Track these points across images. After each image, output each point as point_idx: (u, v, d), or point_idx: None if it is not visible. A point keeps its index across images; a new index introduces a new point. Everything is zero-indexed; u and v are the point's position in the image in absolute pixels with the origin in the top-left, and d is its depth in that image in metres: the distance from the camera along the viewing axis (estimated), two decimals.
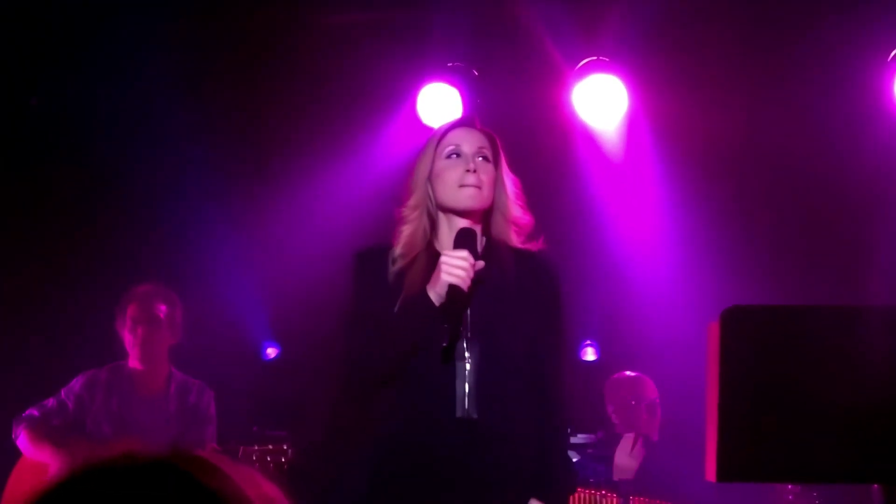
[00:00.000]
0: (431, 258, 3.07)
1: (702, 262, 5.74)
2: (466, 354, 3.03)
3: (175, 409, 4.83)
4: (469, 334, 3.04)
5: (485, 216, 3.19)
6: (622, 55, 5.38)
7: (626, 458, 5.05)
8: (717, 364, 2.27)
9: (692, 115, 5.52)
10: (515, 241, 3.16)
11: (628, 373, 5.41)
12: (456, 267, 2.95)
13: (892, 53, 5.16)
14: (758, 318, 2.36)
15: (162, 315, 4.80)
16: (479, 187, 3.11)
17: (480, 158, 3.16)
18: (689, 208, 5.72)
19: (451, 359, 3.00)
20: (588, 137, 5.72)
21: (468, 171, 3.11)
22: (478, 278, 3.04)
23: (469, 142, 3.17)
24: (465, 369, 3.02)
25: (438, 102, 5.57)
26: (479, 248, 3.14)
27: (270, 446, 4.64)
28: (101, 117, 5.54)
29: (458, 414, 3.00)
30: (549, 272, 3.20)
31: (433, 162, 3.17)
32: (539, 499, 3.02)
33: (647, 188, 5.81)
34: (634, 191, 5.83)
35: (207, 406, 4.90)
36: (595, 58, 5.42)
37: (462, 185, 3.10)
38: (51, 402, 4.79)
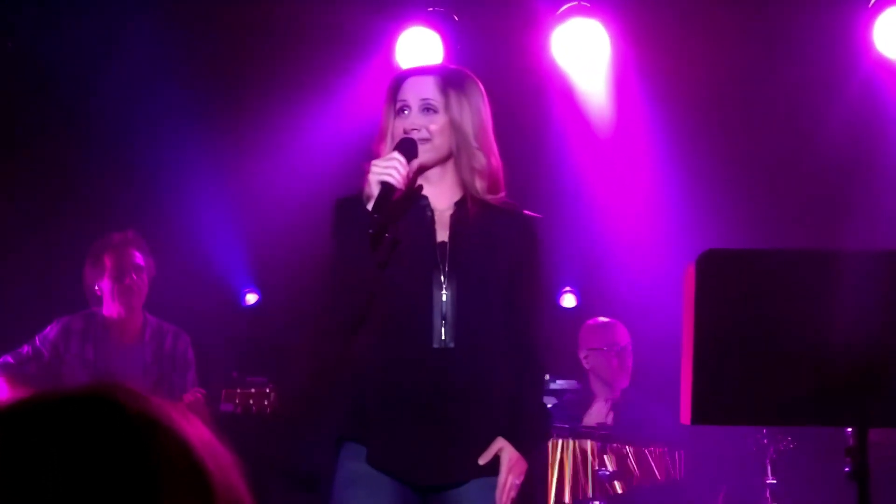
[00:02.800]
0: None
1: (682, 207, 5.75)
2: (444, 285, 3.06)
3: (151, 356, 4.82)
4: (447, 267, 3.07)
5: (453, 168, 3.17)
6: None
7: (595, 420, 5.10)
8: (692, 307, 2.29)
9: (672, 60, 5.51)
10: (480, 185, 3.14)
11: (601, 319, 5.43)
12: (386, 167, 2.97)
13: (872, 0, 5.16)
14: (733, 261, 2.37)
15: (142, 263, 4.79)
16: (426, 140, 3.09)
17: (425, 111, 3.12)
18: (669, 153, 5.72)
19: (378, 245, 3.00)
20: (567, 83, 5.70)
21: (405, 130, 3.11)
22: (455, 220, 3.10)
23: (415, 93, 3.15)
24: (441, 300, 3.05)
25: (418, 47, 5.55)
26: (459, 196, 3.15)
27: (253, 390, 4.65)
28: (74, 57, 5.47)
29: (435, 344, 3.03)
30: (530, 229, 3.19)
31: (392, 117, 3.17)
32: (511, 443, 3.06)
33: (627, 134, 5.80)
34: (614, 136, 5.82)
35: (185, 351, 4.89)
36: (576, 2, 5.40)
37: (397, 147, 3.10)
38: (25, 349, 4.76)
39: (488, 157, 3.16)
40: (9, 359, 4.73)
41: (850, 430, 2.41)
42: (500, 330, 3.10)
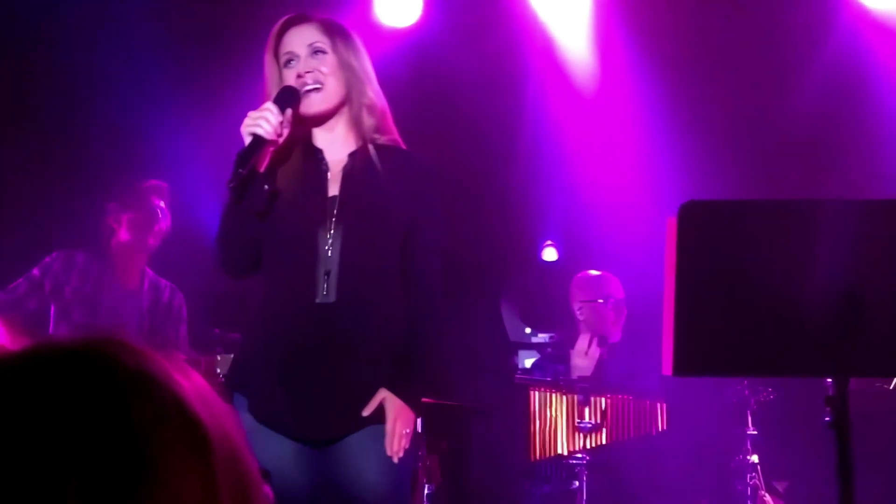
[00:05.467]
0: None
1: (663, 159, 5.75)
2: (329, 240, 3.03)
3: (148, 305, 4.81)
4: (334, 222, 3.03)
5: (345, 113, 3.13)
6: None
7: (581, 357, 5.08)
8: (674, 259, 2.28)
9: (654, 11, 5.48)
10: (370, 124, 3.11)
11: (594, 272, 5.42)
12: (257, 118, 2.93)
13: None
14: (714, 212, 2.37)
15: (165, 210, 4.81)
16: (319, 87, 3.06)
17: (314, 54, 3.09)
18: (649, 106, 5.70)
19: (240, 200, 2.98)
20: (548, 36, 5.68)
21: (299, 76, 3.06)
22: (347, 171, 3.07)
23: (300, 41, 3.11)
24: (326, 255, 3.01)
25: (397, 1, 5.51)
26: (349, 151, 3.12)
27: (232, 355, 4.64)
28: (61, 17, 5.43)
29: (318, 299, 2.99)
30: (423, 169, 3.14)
31: (277, 73, 3.12)
32: (394, 393, 3.03)
33: (608, 87, 5.78)
34: (595, 90, 5.80)
35: (180, 307, 4.89)
36: None
37: (306, 91, 3.05)
38: (21, 283, 4.67)
39: (377, 95, 3.13)
40: (2, 295, 4.63)
41: (829, 380, 2.42)
42: (389, 284, 3.06)
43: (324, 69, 3.07)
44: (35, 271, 4.70)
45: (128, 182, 4.84)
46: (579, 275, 5.41)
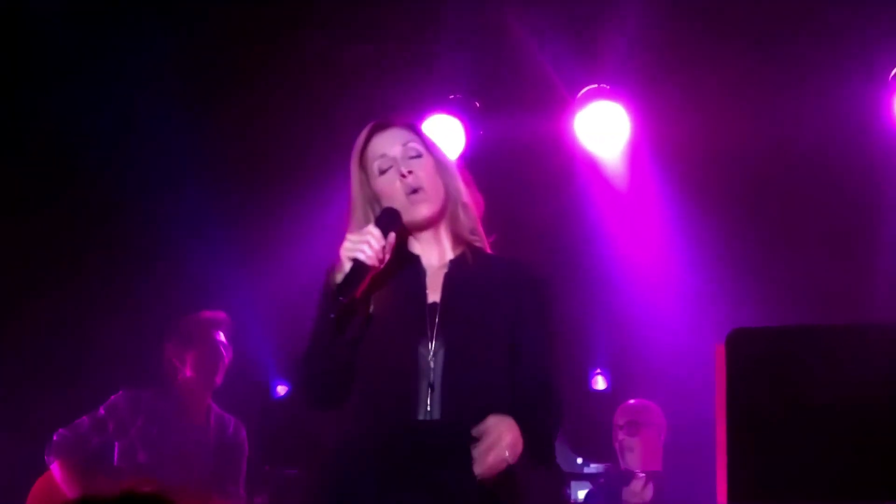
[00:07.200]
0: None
1: (709, 285, 5.74)
2: (432, 351, 2.78)
3: (214, 442, 4.75)
4: (436, 331, 2.80)
5: (446, 216, 2.94)
6: (622, 81, 5.40)
7: (635, 497, 5.03)
8: (723, 386, 2.28)
9: (693, 137, 5.53)
10: (470, 227, 2.92)
11: (634, 400, 5.41)
12: (358, 241, 2.73)
13: (893, 72, 5.17)
14: (762, 339, 2.36)
15: (228, 344, 4.79)
16: (421, 189, 2.87)
17: (410, 157, 2.92)
18: (693, 231, 5.72)
19: (343, 332, 2.76)
20: (591, 165, 5.73)
21: (403, 176, 2.87)
22: (449, 278, 2.86)
23: (391, 144, 2.93)
24: (429, 367, 2.76)
25: (441, 134, 5.59)
26: (453, 255, 2.92)
27: (283, 483, 4.61)
28: (104, 146, 5.56)
29: (420, 416, 2.74)
30: (533, 274, 2.93)
31: (367, 183, 2.94)
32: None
33: (651, 213, 5.81)
34: (638, 216, 5.83)
35: (243, 442, 4.84)
36: (596, 85, 5.44)
37: (409, 195, 2.86)
38: (85, 421, 4.65)
39: (473, 195, 2.97)
40: (67, 433, 4.62)
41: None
42: (497, 400, 2.77)
43: (422, 173, 2.90)
44: (101, 410, 4.68)
45: (188, 317, 4.82)
46: (622, 404, 5.40)
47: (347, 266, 2.74)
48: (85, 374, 5.49)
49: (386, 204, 2.90)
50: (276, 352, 6.17)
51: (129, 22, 5.07)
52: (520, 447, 2.69)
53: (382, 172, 2.91)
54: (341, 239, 2.83)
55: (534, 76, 5.38)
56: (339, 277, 2.74)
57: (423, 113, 5.56)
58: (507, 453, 2.66)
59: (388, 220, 2.82)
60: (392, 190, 2.89)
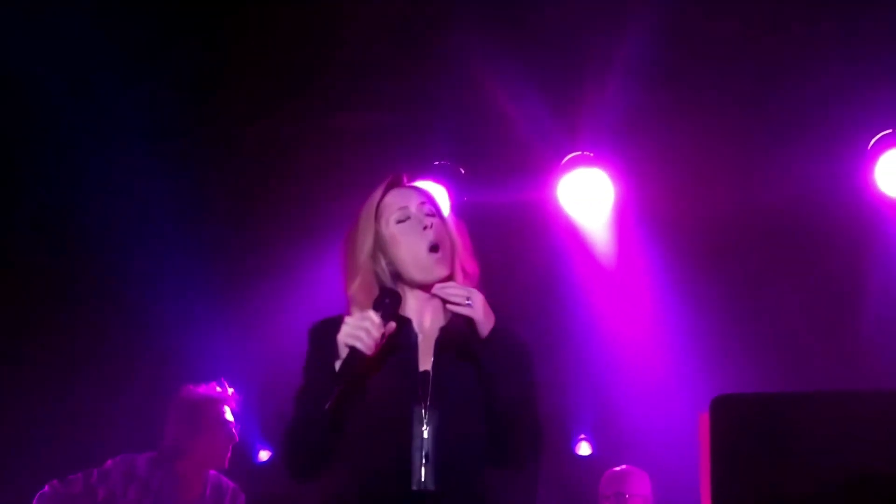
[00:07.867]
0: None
1: (693, 351, 5.76)
2: (425, 420, 2.76)
3: None
4: (430, 400, 2.78)
5: (452, 279, 2.90)
6: (605, 147, 5.44)
7: None
8: (708, 453, 2.28)
9: (677, 204, 5.58)
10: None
11: (622, 467, 5.39)
12: (357, 328, 2.71)
13: (871, 141, 5.23)
14: (747, 406, 2.37)
15: (235, 429, 4.63)
16: (440, 247, 2.87)
17: (427, 214, 2.93)
18: (678, 297, 5.75)
19: (337, 421, 2.74)
20: (575, 232, 5.76)
21: (425, 228, 2.88)
22: (440, 346, 2.85)
23: (410, 199, 2.96)
24: (422, 438, 2.74)
25: None
26: (444, 318, 2.90)
27: None
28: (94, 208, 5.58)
29: (414, 487, 2.73)
30: (519, 347, 2.90)
31: (380, 232, 2.93)
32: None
33: (635, 280, 5.84)
34: (623, 283, 5.85)
35: None
36: (579, 152, 5.47)
37: (430, 252, 2.86)
38: (79, 480, 4.48)
39: (474, 264, 2.97)
40: (57, 487, 4.44)
41: None
42: (488, 467, 2.81)
43: (439, 232, 2.91)
44: (94, 474, 4.49)
45: (194, 393, 4.64)
46: (607, 472, 5.38)
47: (344, 352, 2.73)
48: (66, 440, 5.47)
49: (396, 254, 2.90)
50: (259, 416, 6.14)
51: (116, 83, 5.10)
52: (488, 312, 2.77)
53: (400, 222, 2.92)
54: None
55: (517, 143, 5.42)
56: (337, 365, 2.73)
57: (407, 178, 5.59)
58: (470, 296, 2.75)
59: (389, 305, 2.79)
60: (411, 240, 2.90)
